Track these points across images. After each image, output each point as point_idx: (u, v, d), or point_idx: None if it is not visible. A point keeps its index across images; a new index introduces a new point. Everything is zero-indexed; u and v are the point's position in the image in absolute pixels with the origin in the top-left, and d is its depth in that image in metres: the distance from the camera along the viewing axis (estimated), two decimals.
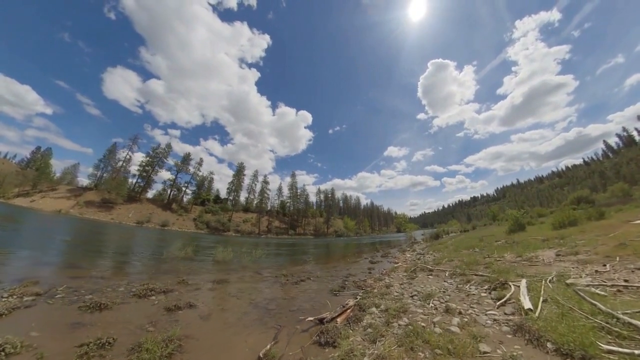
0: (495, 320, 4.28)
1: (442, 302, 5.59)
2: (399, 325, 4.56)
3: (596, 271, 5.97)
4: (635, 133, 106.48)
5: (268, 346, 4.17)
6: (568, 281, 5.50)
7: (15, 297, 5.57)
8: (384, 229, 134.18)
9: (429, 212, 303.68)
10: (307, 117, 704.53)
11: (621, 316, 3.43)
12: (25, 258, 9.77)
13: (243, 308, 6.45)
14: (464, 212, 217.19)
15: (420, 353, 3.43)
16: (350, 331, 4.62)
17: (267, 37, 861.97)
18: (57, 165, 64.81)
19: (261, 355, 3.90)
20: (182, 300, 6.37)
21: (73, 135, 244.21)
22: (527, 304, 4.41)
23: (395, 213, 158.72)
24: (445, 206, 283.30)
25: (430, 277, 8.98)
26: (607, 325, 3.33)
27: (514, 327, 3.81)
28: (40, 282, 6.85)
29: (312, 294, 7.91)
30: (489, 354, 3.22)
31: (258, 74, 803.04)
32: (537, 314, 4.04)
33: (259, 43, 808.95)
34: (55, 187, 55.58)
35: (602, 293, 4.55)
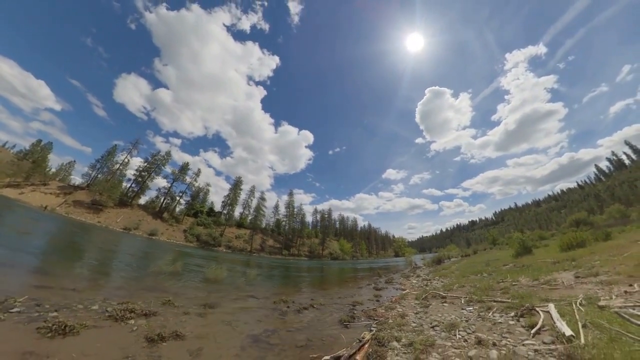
0: (536, 350, 4.02)
1: (469, 333, 5.28)
2: None
3: (625, 292, 5.86)
4: (624, 157, 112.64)
5: None
6: (600, 303, 5.34)
7: None
8: (382, 252, 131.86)
9: (426, 236, 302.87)
10: (308, 137, 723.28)
11: None
12: None
13: (240, 341, 5.82)
14: (463, 236, 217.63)
15: None
16: None
17: (276, 58, 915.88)
18: (55, 161, 64.77)
19: None
20: (167, 327, 5.62)
21: (76, 132, 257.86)
22: (567, 331, 4.19)
23: (393, 236, 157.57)
24: (444, 230, 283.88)
25: (445, 304, 8.62)
26: None
27: (562, 357, 3.56)
28: None
29: (318, 324, 7.37)
30: None
31: (265, 92, 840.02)
32: (582, 341, 3.81)
33: (268, 63, 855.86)
34: (46, 182, 54.37)
35: None
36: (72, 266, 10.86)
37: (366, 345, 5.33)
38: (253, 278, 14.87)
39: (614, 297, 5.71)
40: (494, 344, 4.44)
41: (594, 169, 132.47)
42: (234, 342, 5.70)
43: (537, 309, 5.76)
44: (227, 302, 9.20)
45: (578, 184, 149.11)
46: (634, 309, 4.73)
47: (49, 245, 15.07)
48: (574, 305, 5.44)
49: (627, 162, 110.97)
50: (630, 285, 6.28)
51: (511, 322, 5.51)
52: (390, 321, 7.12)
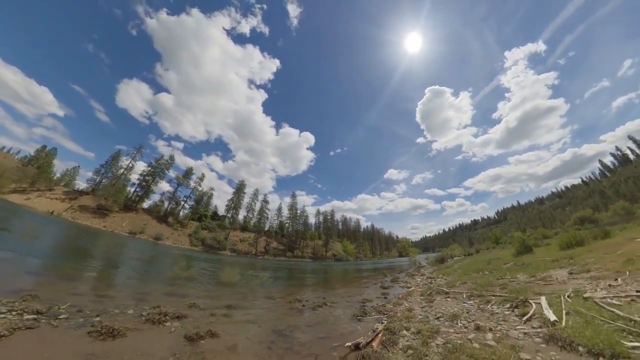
0: (525, 333, 4.81)
1: (469, 322, 6.07)
2: (436, 344, 5.00)
3: (609, 285, 6.63)
4: (629, 152, 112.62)
5: None
6: (585, 295, 6.12)
7: (15, 313, 5.17)
8: (386, 253, 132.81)
9: (430, 236, 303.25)
10: (309, 138, 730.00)
11: (638, 319, 4.06)
12: (14, 263, 9.78)
13: (268, 336, 6.44)
14: (465, 235, 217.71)
15: None
16: (391, 354, 4.99)
17: (276, 61, 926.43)
18: (58, 166, 66.67)
19: None
20: (200, 328, 6.04)
21: (78, 138, 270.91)
22: (552, 317, 4.99)
23: (397, 237, 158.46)
24: (446, 230, 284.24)
25: (448, 299, 9.41)
26: (627, 327, 3.96)
27: (546, 337, 4.36)
28: (39, 296, 6.52)
29: (334, 319, 8.17)
30: None
31: (265, 95, 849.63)
32: (563, 324, 4.61)
33: (268, 66, 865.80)
34: (52, 188, 56.15)
35: (618, 303, 5.20)
36: (94, 272, 11.51)
37: (380, 334, 6.14)
38: (265, 280, 15.66)
39: (598, 290, 6.49)
40: (490, 329, 5.24)
41: (598, 165, 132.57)
42: (263, 337, 6.22)
43: (530, 301, 6.55)
44: (247, 303, 9.92)
45: (582, 180, 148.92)
46: (612, 299, 5.52)
47: (64, 252, 15.85)
48: (562, 297, 6.22)
49: (631, 157, 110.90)
50: (615, 279, 7.06)
51: (506, 312, 6.30)
52: (399, 315, 7.92)
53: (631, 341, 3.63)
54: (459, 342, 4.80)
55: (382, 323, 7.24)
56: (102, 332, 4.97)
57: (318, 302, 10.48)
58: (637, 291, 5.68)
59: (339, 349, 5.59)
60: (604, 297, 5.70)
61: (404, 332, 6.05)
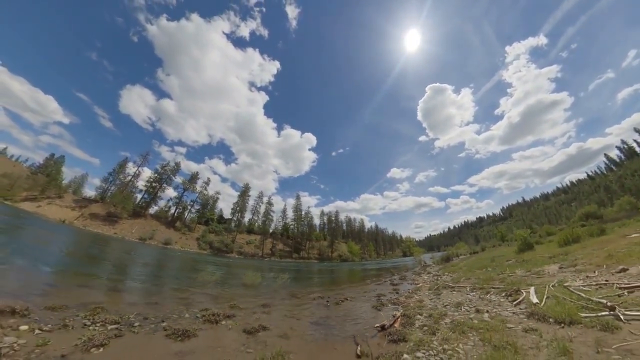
0: (514, 312, 6.36)
1: (471, 307, 7.62)
2: (445, 322, 6.55)
3: (587, 276, 8.15)
4: (635, 145, 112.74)
5: (358, 348, 5.81)
6: (565, 284, 7.63)
7: (98, 324, 5.76)
8: (390, 253, 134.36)
9: (434, 235, 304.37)
10: (311, 139, 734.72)
11: (595, 299, 5.60)
12: (64, 275, 10.93)
13: (309, 326, 7.71)
14: (471, 233, 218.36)
15: (469, 334, 5.44)
16: (410, 331, 6.52)
17: (277, 63, 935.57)
18: (65, 173, 68.61)
19: (358, 353, 5.49)
20: (250, 323, 6.97)
21: (83, 144, 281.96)
22: (535, 300, 6.53)
23: (401, 236, 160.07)
24: (451, 228, 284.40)
25: (453, 292, 10.94)
26: (586, 304, 5.50)
27: (528, 314, 5.90)
28: (105, 307, 7.06)
29: (358, 310, 9.74)
30: (513, 328, 5.29)
31: (266, 97, 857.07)
32: (542, 305, 6.14)
33: (269, 69, 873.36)
34: (61, 195, 58.00)
35: (588, 289, 6.71)
36: (132, 282, 12.58)
37: (399, 318, 7.71)
38: (284, 281, 17.16)
39: (577, 280, 8.00)
40: (487, 311, 6.78)
41: (604, 159, 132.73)
42: (304, 327, 7.44)
43: (522, 290, 8.07)
44: (278, 302, 11.19)
45: (588, 175, 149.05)
46: (584, 287, 7.03)
47: (92, 262, 16.59)
48: (547, 287, 7.74)
49: (638, 150, 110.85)
50: (594, 272, 8.56)
51: (502, 300, 7.84)
52: (412, 305, 9.48)
53: (585, 313, 5.15)
54: (462, 320, 6.34)
55: (399, 311, 8.80)
56: (177, 334, 5.63)
57: (339, 298, 12.03)
58: (606, 280, 7.19)
59: (369, 330, 7.12)
60: (578, 286, 7.22)
61: (418, 316, 7.60)
